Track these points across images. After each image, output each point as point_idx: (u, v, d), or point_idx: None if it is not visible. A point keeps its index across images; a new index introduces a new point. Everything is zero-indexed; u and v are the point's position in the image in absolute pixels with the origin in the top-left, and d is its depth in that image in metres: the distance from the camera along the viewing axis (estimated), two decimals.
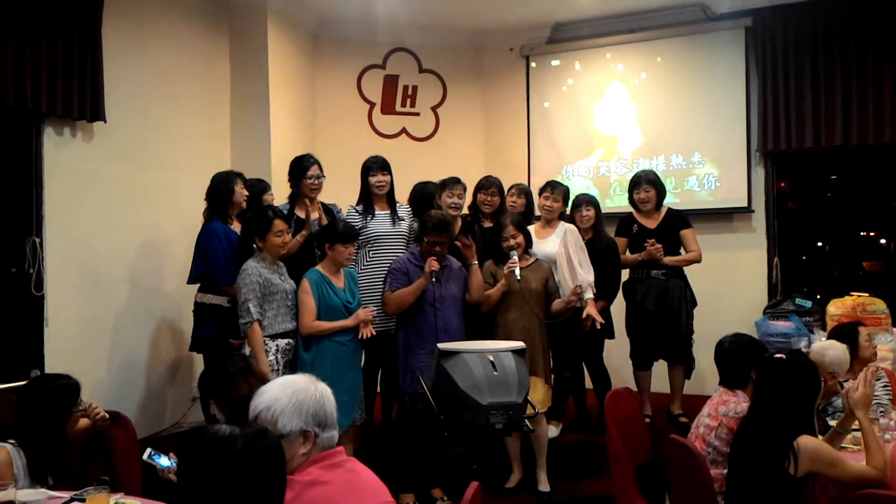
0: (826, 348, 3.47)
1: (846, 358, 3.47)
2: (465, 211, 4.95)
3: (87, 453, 2.99)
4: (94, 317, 4.61)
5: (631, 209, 5.13)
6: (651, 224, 4.97)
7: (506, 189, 5.03)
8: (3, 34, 3.94)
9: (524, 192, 4.98)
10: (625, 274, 5.03)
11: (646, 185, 4.96)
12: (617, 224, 5.12)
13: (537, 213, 4.87)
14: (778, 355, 2.82)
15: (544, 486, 4.25)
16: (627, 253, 4.97)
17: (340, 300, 4.01)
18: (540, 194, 4.80)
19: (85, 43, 4.40)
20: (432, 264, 4.01)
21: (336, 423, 2.00)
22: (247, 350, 3.88)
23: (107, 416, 3.02)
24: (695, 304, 4.97)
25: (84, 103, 4.40)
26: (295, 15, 6.13)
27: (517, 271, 4.11)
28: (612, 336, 4.89)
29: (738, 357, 3.16)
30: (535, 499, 4.22)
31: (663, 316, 4.84)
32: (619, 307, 4.99)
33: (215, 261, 4.22)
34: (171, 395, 5.14)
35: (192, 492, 1.51)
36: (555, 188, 4.75)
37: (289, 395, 1.94)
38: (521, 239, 4.24)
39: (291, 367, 3.97)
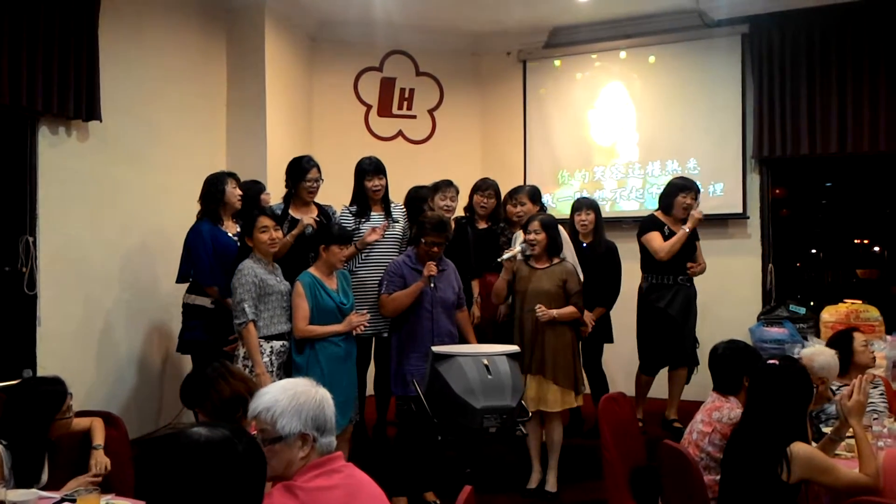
0: (815, 354, 3.46)
1: (835, 363, 3.46)
2: (461, 213, 4.98)
3: (79, 454, 2.97)
4: (87, 316, 4.59)
5: (653, 211, 5.09)
6: (677, 230, 4.89)
7: (502, 193, 5.05)
8: (0, 33, 3.93)
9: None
10: (638, 279, 5.01)
11: (696, 192, 4.92)
12: (643, 222, 5.02)
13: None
14: (771, 361, 2.82)
15: (552, 487, 4.26)
16: (661, 240, 4.85)
17: (334, 301, 4.00)
18: (505, 204, 4.94)
19: (81, 42, 4.39)
20: (431, 268, 4.00)
21: (335, 428, 1.99)
22: (241, 351, 3.87)
23: (108, 465, 2.99)
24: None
25: (80, 103, 4.39)
26: (292, 17, 6.12)
27: (507, 255, 4.16)
28: (610, 340, 4.90)
29: (731, 363, 3.16)
30: (540, 499, 4.23)
31: (683, 322, 4.84)
32: (620, 312, 4.99)
33: (198, 261, 4.26)
34: (163, 396, 5.12)
35: (173, 499, 1.42)
36: (515, 193, 4.88)
37: (289, 396, 1.93)
38: (541, 236, 4.23)
39: (286, 368, 3.96)
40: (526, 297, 4.24)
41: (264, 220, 3.95)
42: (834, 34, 5.75)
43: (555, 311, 4.14)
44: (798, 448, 2.60)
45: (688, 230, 4.78)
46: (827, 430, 3.12)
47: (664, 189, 5.10)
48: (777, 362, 2.79)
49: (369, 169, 4.62)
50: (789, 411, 2.69)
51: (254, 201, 4.52)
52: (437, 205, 4.67)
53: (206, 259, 4.24)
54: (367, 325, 4.08)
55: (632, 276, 5.01)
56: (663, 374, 5.02)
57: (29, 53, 4.08)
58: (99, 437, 3.02)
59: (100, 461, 2.94)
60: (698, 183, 6.04)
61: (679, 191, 4.90)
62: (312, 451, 1.91)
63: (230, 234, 4.37)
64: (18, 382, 3.10)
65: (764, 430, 2.67)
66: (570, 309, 4.23)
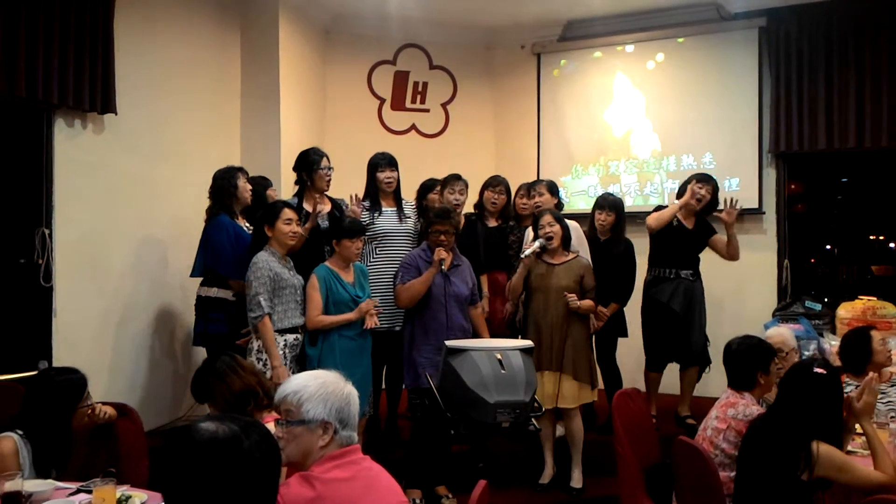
0: (766, 334, 3.87)
1: (790, 335, 3.86)
2: (471, 209, 4.99)
3: (94, 445, 2.99)
4: (103, 308, 4.61)
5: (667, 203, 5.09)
6: (689, 224, 4.87)
7: (513, 188, 5.06)
8: (16, 25, 3.94)
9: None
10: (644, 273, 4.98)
11: (707, 183, 4.88)
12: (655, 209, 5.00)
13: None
14: (818, 370, 2.74)
15: (577, 483, 4.28)
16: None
17: (349, 294, 4.01)
18: (516, 195, 4.99)
19: (96, 35, 4.40)
20: (441, 253, 4.01)
21: (356, 425, 2.01)
22: (255, 345, 3.88)
23: (113, 412, 2.98)
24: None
25: (95, 95, 4.40)
26: (307, 9, 6.12)
27: (527, 252, 4.15)
28: (625, 334, 4.88)
29: (745, 359, 3.14)
30: (565, 494, 4.25)
31: (687, 318, 4.79)
32: (634, 306, 4.94)
33: (222, 254, 4.24)
34: (178, 388, 5.14)
35: (187, 496, 1.43)
36: (534, 184, 4.93)
37: (318, 384, 1.97)
38: (557, 228, 4.24)
39: (300, 361, 3.97)
40: (545, 294, 4.23)
41: (290, 213, 3.96)
42: (852, 27, 5.69)
43: (580, 302, 4.18)
44: (821, 446, 2.57)
45: (679, 204, 4.79)
46: None
47: (683, 183, 5.08)
48: (825, 371, 2.74)
49: (382, 162, 4.64)
50: (822, 412, 2.66)
51: (261, 197, 4.53)
52: (446, 199, 4.70)
53: (232, 252, 4.21)
54: (379, 315, 4.09)
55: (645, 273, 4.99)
56: (675, 369, 4.99)
57: (45, 46, 4.09)
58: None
59: (102, 408, 2.92)
60: (722, 177, 6.00)
61: (693, 179, 4.92)
62: (332, 442, 1.93)
63: (245, 228, 4.39)
64: (37, 374, 3.12)
65: (789, 428, 2.64)
66: (590, 302, 4.28)
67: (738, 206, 4.78)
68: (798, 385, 2.74)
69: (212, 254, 4.27)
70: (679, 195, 4.99)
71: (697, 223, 4.92)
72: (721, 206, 4.83)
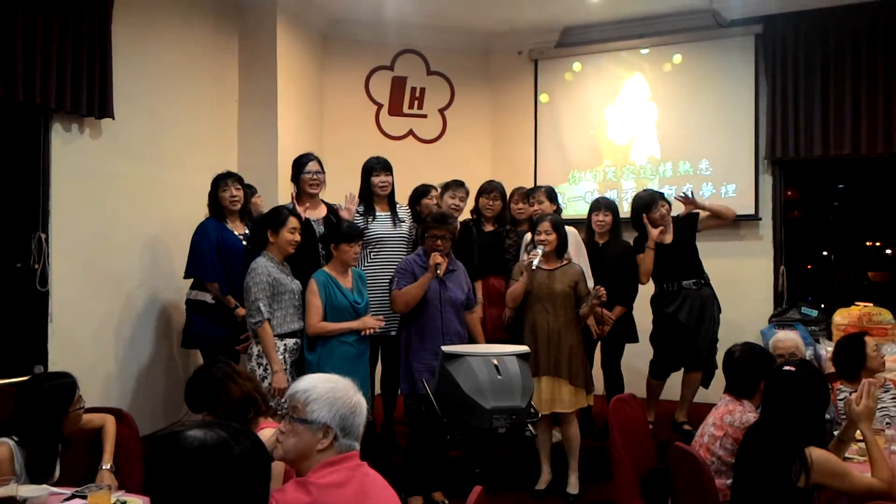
0: (776, 338, 3.92)
1: (794, 336, 3.90)
2: (468, 215, 4.99)
3: (90, 451, 2.98)
4: (99, 313, 4.61)
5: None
6: (668, 239, 4.87)
7: (508, 192, 5.07)
8: (13, 30, 3.95)
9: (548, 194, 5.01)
10: (650, 286, 4.97)
11: (661, 201, 4.89)
12: (635, 242, 4.96)
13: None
14: (787, 367, 2.78)
15: (573, 489, 4.27)
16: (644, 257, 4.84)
17: (348, 300, 4.00)
18: (510, 199, 5.01)
19: (94, 39, 4.41)
20: (437, 258, 4.01)
21: (359, 436, 2.00)
22: (255, 350, 3.88)
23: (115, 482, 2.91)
24: (720, 310, 4.93)
25: (92, 100, 4.41)
26: (304, 15, 6.13)
27: (535, 262, 4.16)
28: (635, 339, 4.88)
29: (748, 367, 3.13)
30: (562, 500, 4.25)
31: (695, 327, 4.79)
32: (642, 312, 4.95)
33: (200, 257, 4.35)
34: (174, 393, 5.12)
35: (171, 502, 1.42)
36: (532, 192, 5.00)
37: (328, 388, 1.97)
38: (553, 237, 4.25)
39: (298, 366, 3.96)
40: (546, 300, 4.24)
41: (295, 221, 3.98)
42: (848, 34, 5.72)
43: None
44: (816, 453, 2.57)
45: (651, 246, 4.78)
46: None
47: (631, 212, 5.03)
48: (794, 369, 2.75)
49: (377, 166, 4.64)
50: (807, 417, 2.66)
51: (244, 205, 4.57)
52: (445, 203, 4.71)
53: (209, 255, 4.33)
54: (379, 328, 4.09)
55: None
56: (678, 376, 4.98)
57: (42, 51, 4.09)
58: (108, 455, 2.97)
59: (105, 482, 2.86)
60: (710, 184, 6.02)
61: (642, 211, 4.88)
62: (331, 448, 1.93)
63: (236, 234, 4.43)
64: (27, 379, 3.11)
65: (781, 435, 2.64)
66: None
67: (687, 192, 5.04)
68: (775, 389, 2.74)
69: (191, 257, 4.40)
70: (632, 220, 4.97)
71: (674, 230, 4.92)
72: (682, 205, 5.03)
